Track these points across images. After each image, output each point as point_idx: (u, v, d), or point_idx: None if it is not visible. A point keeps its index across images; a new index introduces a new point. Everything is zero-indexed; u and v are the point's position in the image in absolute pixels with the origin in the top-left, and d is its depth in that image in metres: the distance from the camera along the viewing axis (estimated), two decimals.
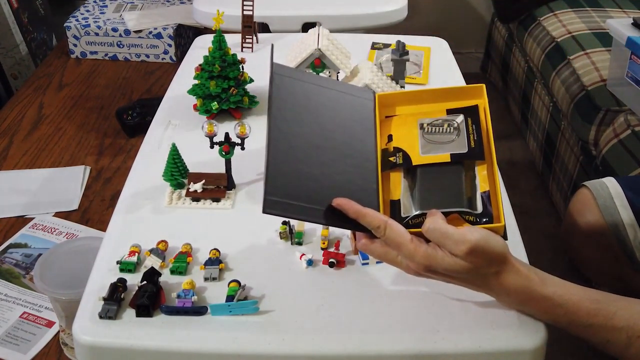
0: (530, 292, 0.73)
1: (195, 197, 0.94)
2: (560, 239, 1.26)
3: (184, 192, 0.95)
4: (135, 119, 1.71)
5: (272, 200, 0.72)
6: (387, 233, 0.72)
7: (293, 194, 0.74)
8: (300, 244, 0.87)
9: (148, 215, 0.92)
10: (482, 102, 0.84)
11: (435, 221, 0.71)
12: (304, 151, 0.78)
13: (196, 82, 1.13)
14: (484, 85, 0.84)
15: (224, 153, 0.95)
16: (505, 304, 0.77)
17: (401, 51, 1.13)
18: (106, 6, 2.23)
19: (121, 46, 2.09)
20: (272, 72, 0.81)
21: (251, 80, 1.16)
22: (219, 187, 0.95)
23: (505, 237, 0.75)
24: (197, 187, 0.94)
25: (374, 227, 0.73)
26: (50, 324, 1.19)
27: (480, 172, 0.80)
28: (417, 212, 0.76)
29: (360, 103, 0.86)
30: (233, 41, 1.30)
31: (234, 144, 0.95)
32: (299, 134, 0.79)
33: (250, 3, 1.35)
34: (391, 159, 0.81)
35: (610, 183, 1.12)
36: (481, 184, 0.79)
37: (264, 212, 0.71)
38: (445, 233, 0.70)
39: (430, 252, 0.71)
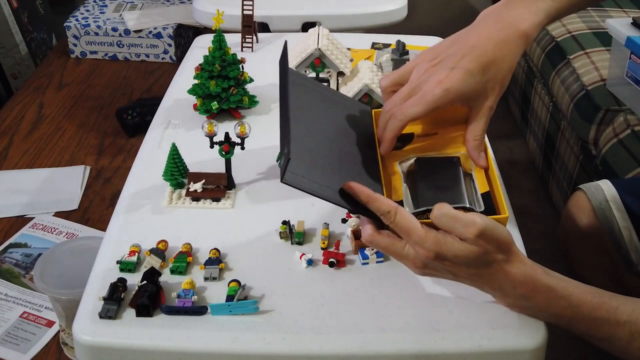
0: (535, 281, 0.73)
1: (195, 197, 0.94)
2: (557, 241, 1.26)
3: (184, 191, 0.95)
4: (135, 119, 1.71)
5: (291, 173, 0.73)
6: (397, 218, 0.71)
7: (309, 172, 0.75)
8: (300, 243, 0.87)
9: (148, 215, 0.92)
10: None
11: (443, 207, 0.71)
12: (320, 138, 0.81)
13: (196, 81, 1.13)
14: None
15: (224, 153, 0.95)
16: (510, 299, 0.76)
17: (401, 51, 1.13)
18: (106, 6, 2.23)
19: (121, 46, 2.09)
20: (286, 69, 0.84)
21: (251, 80, 1.16)
22: (219, 186, 0.95)
23: None
24: (197, 186, 0.94)
25: (384, 212, 0.72)
26: (50, 323, 1.19)
27: (478, 175, 0.81)
28: (423, 208, 0.76)
29: (360, 115, 0.89)
30: (233, 41, 1.29)
31: (234, 144, 0.95)
32: (314, 123, 0.82)
33: (250, 3, 1.35)
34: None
35: (605, 185, 1.12)
36: (480, 186, 0.80)
37: (282, 181, 0.73)
38: (454, 217, 0.70)
39: (440, 237, 0.70)
